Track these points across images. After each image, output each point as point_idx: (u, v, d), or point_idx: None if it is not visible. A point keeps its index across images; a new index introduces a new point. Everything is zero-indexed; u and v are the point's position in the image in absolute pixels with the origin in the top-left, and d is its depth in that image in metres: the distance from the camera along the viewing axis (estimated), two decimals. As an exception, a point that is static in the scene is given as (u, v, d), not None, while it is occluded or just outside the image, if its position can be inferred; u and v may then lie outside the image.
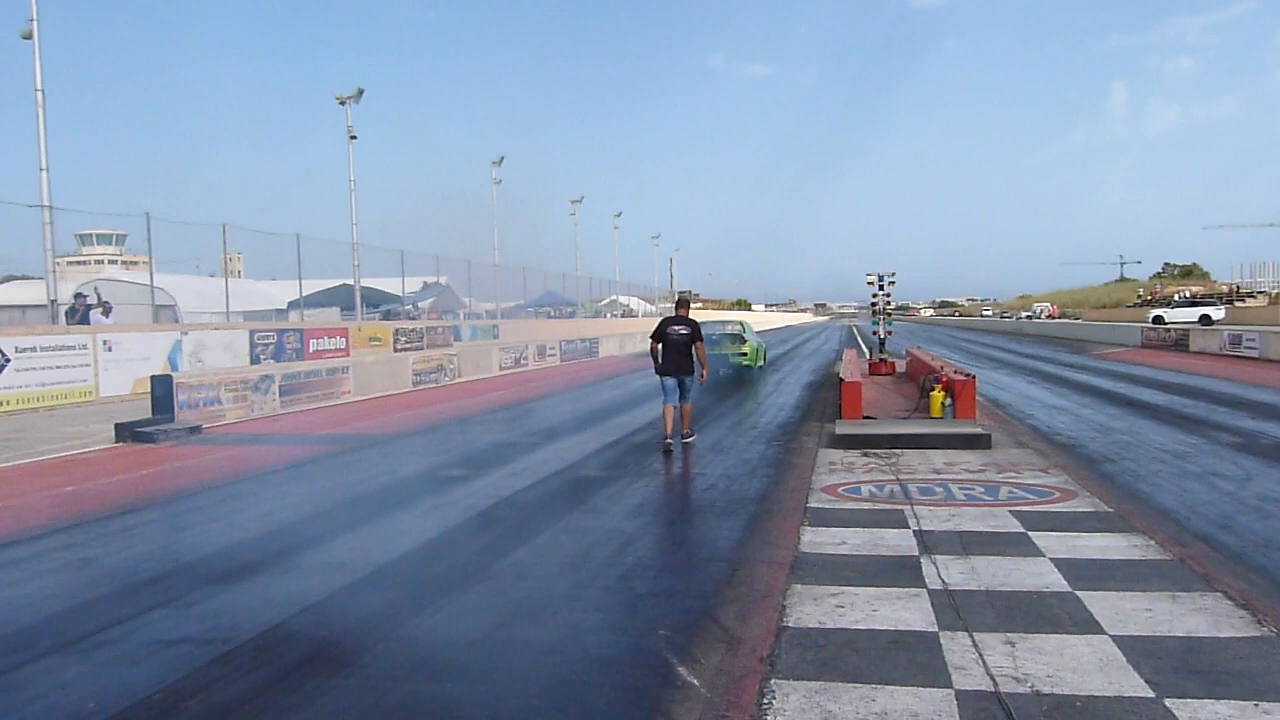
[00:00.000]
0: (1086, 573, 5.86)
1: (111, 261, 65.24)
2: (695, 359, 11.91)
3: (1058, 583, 5.67)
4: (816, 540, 6.83)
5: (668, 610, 5.34)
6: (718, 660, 4.56)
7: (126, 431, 13.42)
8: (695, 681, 4.33)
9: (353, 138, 32.65)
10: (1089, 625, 4.90)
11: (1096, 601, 5.26)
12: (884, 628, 4.93)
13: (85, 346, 19.38)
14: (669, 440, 11.53)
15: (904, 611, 5.17)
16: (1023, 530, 7.00)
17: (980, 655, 4.50)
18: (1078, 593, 5.45)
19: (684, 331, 11.94)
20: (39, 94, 20.53)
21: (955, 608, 5.22)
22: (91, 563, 6.65)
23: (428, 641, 4.93)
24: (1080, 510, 7.70)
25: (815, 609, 5.24)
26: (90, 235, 76.25)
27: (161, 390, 14.64)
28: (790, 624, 5.01)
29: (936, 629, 4.89)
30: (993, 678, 4.23)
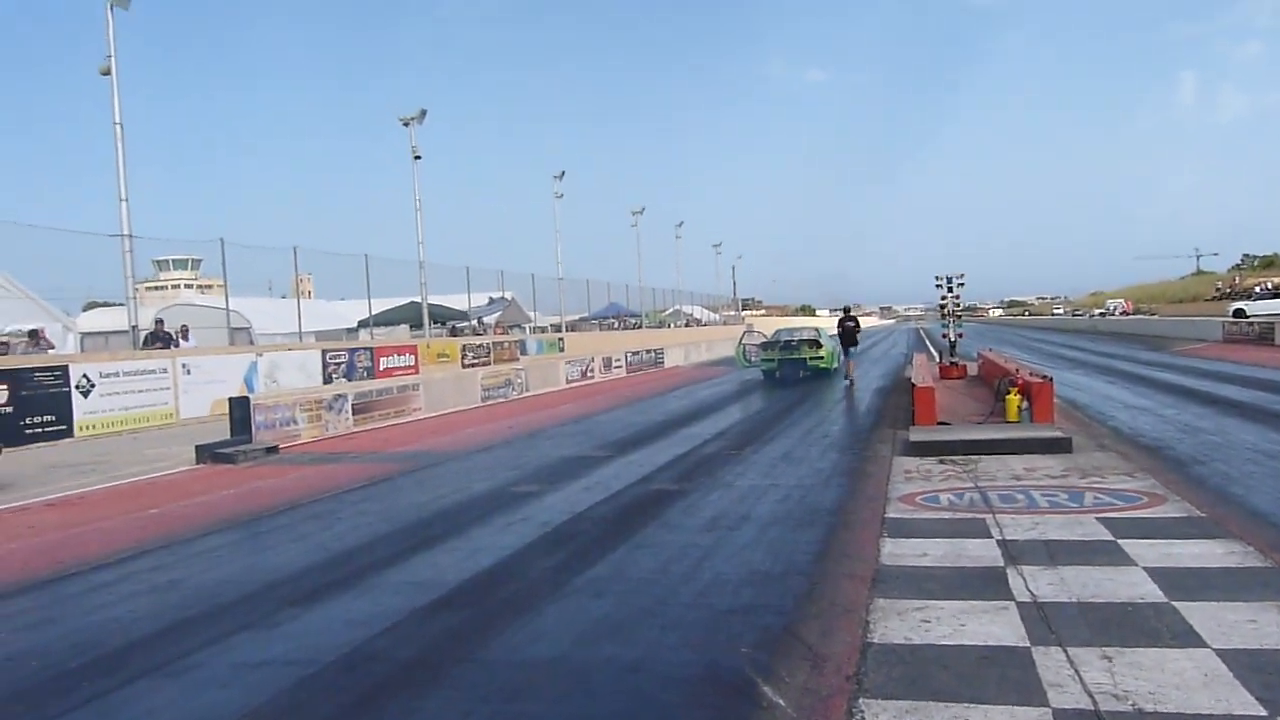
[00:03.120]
0: (1183, 582, 5.64)
1: (187, 286, 67.04)
2: (855, 338, 23.13)
3: (1153, 593, 5.46)
4: (897, 552, 6.69)
5: (748, 626, 5.26)
6: (803, 679, 4.47)
7: (207, 453, 13.74)
8: (781, 701, 4.24)
9: (417, 158, 33.10)
10: (1189, 638, 4.70)
11: (1196, 613, 5.06)
12: (973, 643, 4.79)
13: (165, 370, 19.91)
14: (847, 379, 22.66)
15: (993, 625, 5.03)
16: (1111, 538, 6.78)
17: (1076, 671, 4.34)
18: (1175, 603, 5.24)
19: (850, 324, 23.28)
20: (117, 127, 21.15)
21: (1046, 620, 5.05)
22: (178, 585, 6.78)
23: (507, 661, 4.92)
24: (1171, 516, 7.43)
25: (900, 624, 5.12)
26: (166, 261, 78.40)
27: (240, 412, 14.96)
28: (875, 640, 4.90)
29: (1028, 643, 4.73)
30: (1091, 695, 4.07)
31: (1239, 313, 48.68)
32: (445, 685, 4.62)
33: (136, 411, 19.03)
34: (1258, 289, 67.77)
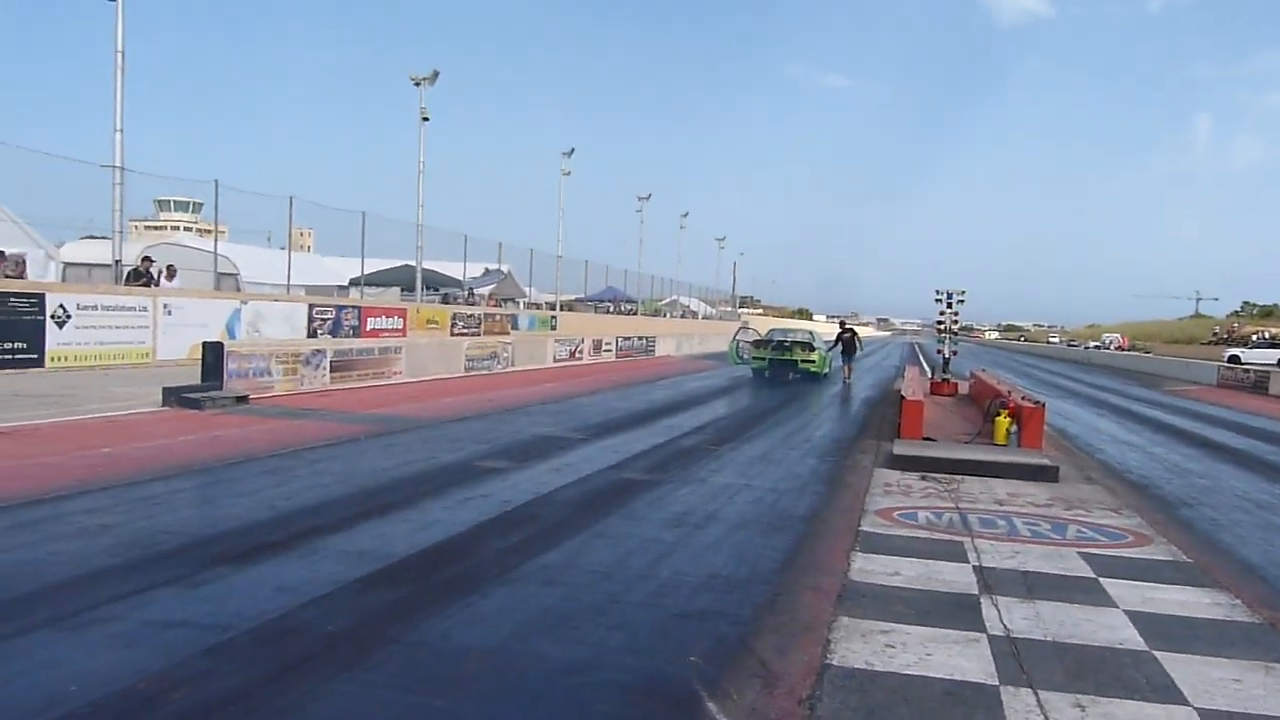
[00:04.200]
0: (1165, 630, 5.31)
1: (187, 228, 66.21)
2: (855, 346, 25.53)
3: (1133, 639, 5.13)
4: (868, 568, 6.35)
5: (701, 634, 4.91)
6: (751, 698, 4.12)
7: (173, 396, 13.34)
8: (724, 721, 3.90)
9: (425, 119, 32.59)
10: (1169, 693, 4.37)
11: (1178, 665, 4.72)
12: (938, 675, 4.45)
13: (145, 309, 19.46)
14: (846, 380, 24.74)
15: (961, 659, 4.69)
16: (1093, 575, 6.45)
17: (1046, 717, 4.01)
18: (1156, 653, 4.91)
19: (847, 336, 25.40)
20: (119, 55, 20.65)
21: (1018, 658, 4.72)
22: (109, 530, 6.42)
23: (439, 647, 4.57)
24: (1156, 558, 7.11)
25: (863, 647, 4.78)
26: (168, 202, 77.70)
27: (212, 357, 14.56)
28: (834, 662, 4.56)
29: (997, 682, 4.40)
30: (1061, 748, 3.74)
31: (1234, 359, 48.43)
32: (367, 668, 4.27)
33: (112, 347, 18.58)
34: (1254, 337, 67.50)
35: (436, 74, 32.26)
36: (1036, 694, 4.27)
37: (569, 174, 45.99)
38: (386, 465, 9.55)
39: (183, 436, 10.74)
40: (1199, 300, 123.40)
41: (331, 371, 16.94)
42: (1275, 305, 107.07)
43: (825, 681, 4.31)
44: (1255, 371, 34.98)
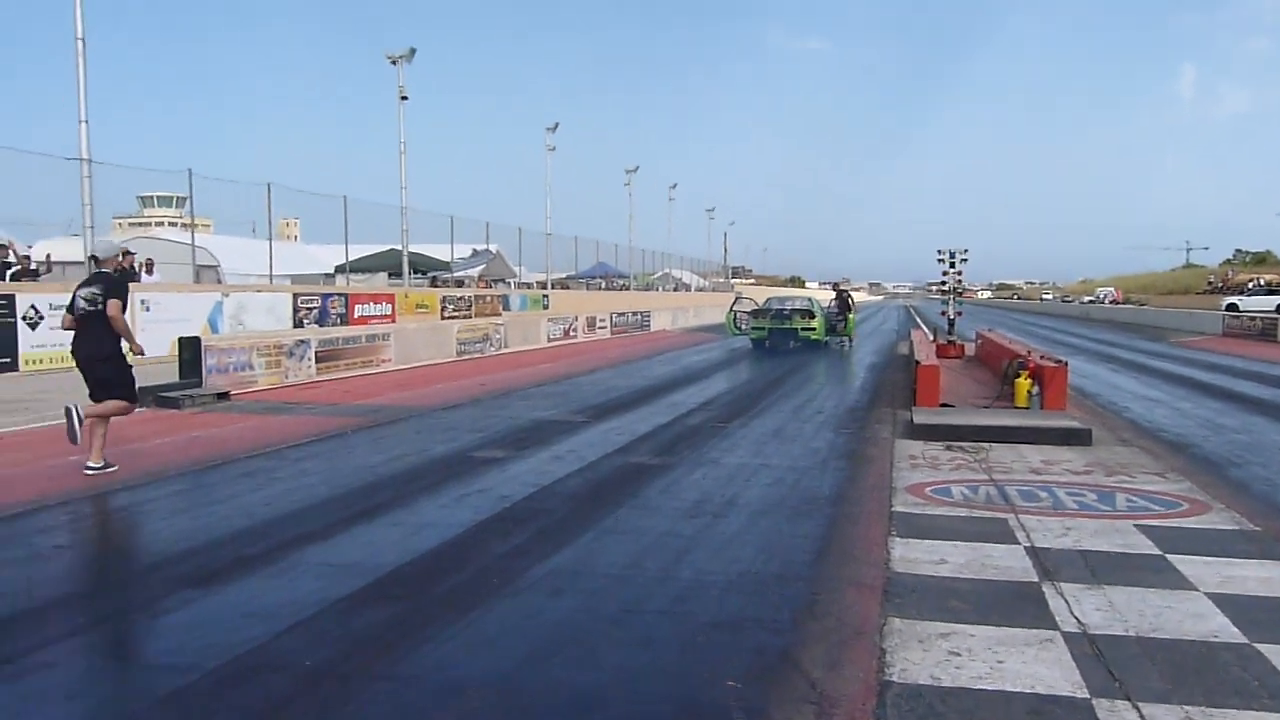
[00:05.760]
0: (1258, 615, 4.68)
1: (171, 223, 65.19)
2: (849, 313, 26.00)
3: (1226, 629, 4.50)
4: (910, 556, 5.72)
5: (736, 648, 4.27)
6: (806, 732, 3.49)
7: (150, 396, 12.63)
8: (778, 765, 3.26)
9: (404, 98, 31.66)
10: (1289, 697, 3.74)
11: (1287, 660, 4.10)
12: (1017, 689, 3.82)
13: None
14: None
15: (1038, 665, 4.05)
16: (1159, 552, 5.82)
17: (1157, 740, 3.39)
18: (1258, 646, 4.28)
19: (845, 296, 26.18)
20: (79, 43, 19.76)
21: (1104, 661, 4.09)
22: (62, 553, 5.76)
23: (435, 680, 3.92)
24: (1222, 528, 6.48)
25: (924, 656, 4.14)
26: (152, 197, 76.40)
27: (189, 353, 13.87)
28: (895, 678, 3.92)
29: (1087, 694, 3.76)
30: (1186, 781, 3.11)
31: (1231, 307, 47.81)
32: (350, 714, 3.62)
33: (89, 347, 17.84)
34: (1250, 284, 66.91)
35: (413, 51, 31.33)
36: (1139, 709, 3.63)
37: (554, 149, 45.10)
38: (375, 461, 8.88)
39: (158, 439, 10.06)
40: (1190, 250, 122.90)
41: (317, 362, 16.24)
42: (1268, 252, 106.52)
43: (888, 704, 3.67)
44: (1262, 319, 34.40)
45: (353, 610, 4.78)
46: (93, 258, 9.11)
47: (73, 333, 8.25)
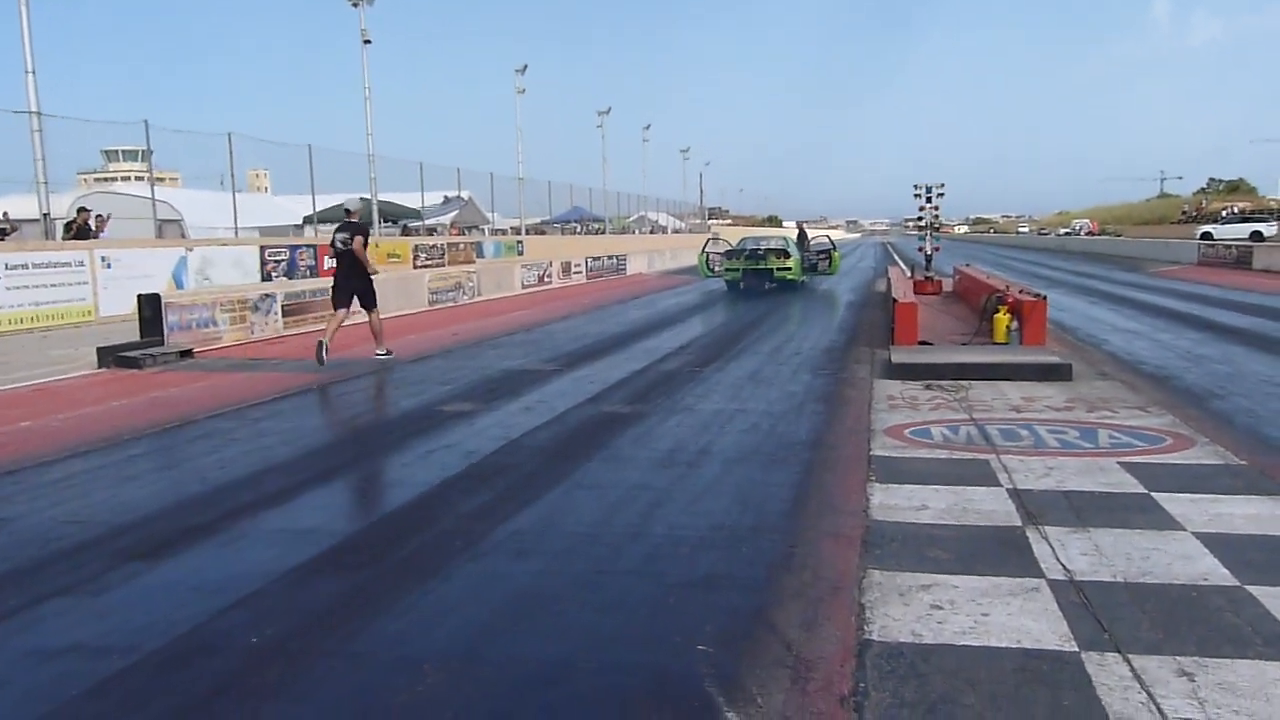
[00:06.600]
0: (1249, 555, 4.52)
1: (138, 178, 63.81)
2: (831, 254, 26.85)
3: (1215, 571, 4.34)
4: (889, 502, 5.53)
5: (708, 610, 4.06)
6: (781, 700, 3.28)
7: (110, 356, 12.28)
8: (751, 739, 3.07)
9: (367, 42, 30.85)
10: (1285, 643, 3.58)
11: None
12: (1003, 644, 3.64)
13: (82, 263, 18.15)
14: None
15: (1024, 617, 3.87)
16: (1144, 491, 5.66)
17: (1150, 696, 3.21)
18: (1250, 588, 4.12)
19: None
20: (21, -8, 19.01)
21: (1092, 610, 3.91)
22: (6, 525, 5.47)
23: (392, 656, 3.69)
24: (1206, 463, 6.33)
25: (904, 612, 3.95)
26: (117, 152, 74.60)
27: (150, 310, 13.43)
28: (875, 636, 3.73)
29: (1076, 647, 3.59)
30: (1183, 743, 2.94)
31: (1206, 235, 47.83)
32: (296, 696, 3.40)
33: (50, 308, 17.35)
34: (1224, 213, 66.97)
35: (375, -9, 30.46)
36: (1129, 661, 3.46)
37: (524, 92, 44.25)
38: (338, 418, 8.62)
39: (115, 401, 9.73)
40: (1164, 180, 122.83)
41: (284, 316, 15.86)
42: (1240, 180, 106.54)
43: (868, 665, 3.48)
44: (1237, 247, 34.39)
45: (305, 581, 4.54)
46: (345, 209, 13.45)
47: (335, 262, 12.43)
